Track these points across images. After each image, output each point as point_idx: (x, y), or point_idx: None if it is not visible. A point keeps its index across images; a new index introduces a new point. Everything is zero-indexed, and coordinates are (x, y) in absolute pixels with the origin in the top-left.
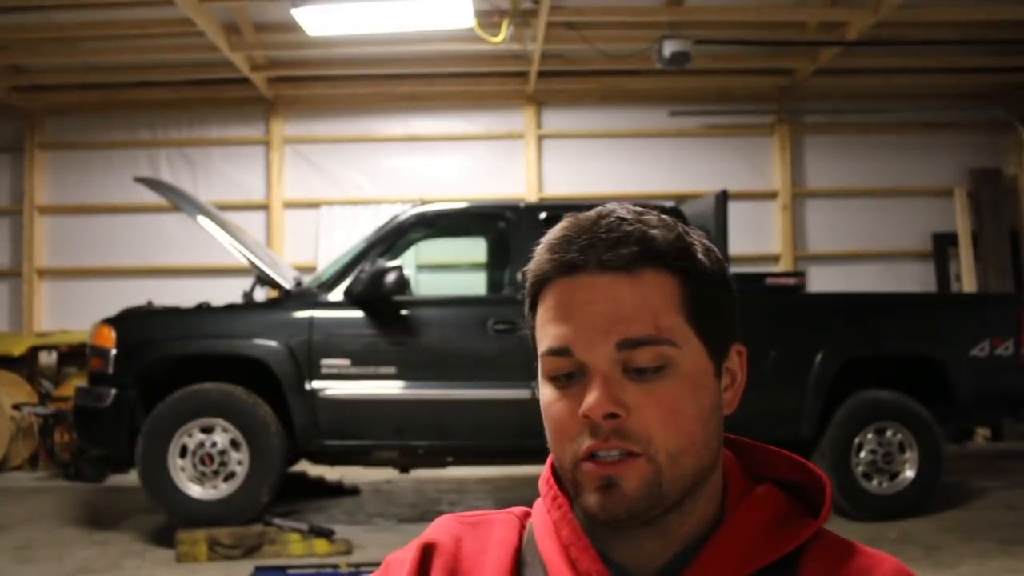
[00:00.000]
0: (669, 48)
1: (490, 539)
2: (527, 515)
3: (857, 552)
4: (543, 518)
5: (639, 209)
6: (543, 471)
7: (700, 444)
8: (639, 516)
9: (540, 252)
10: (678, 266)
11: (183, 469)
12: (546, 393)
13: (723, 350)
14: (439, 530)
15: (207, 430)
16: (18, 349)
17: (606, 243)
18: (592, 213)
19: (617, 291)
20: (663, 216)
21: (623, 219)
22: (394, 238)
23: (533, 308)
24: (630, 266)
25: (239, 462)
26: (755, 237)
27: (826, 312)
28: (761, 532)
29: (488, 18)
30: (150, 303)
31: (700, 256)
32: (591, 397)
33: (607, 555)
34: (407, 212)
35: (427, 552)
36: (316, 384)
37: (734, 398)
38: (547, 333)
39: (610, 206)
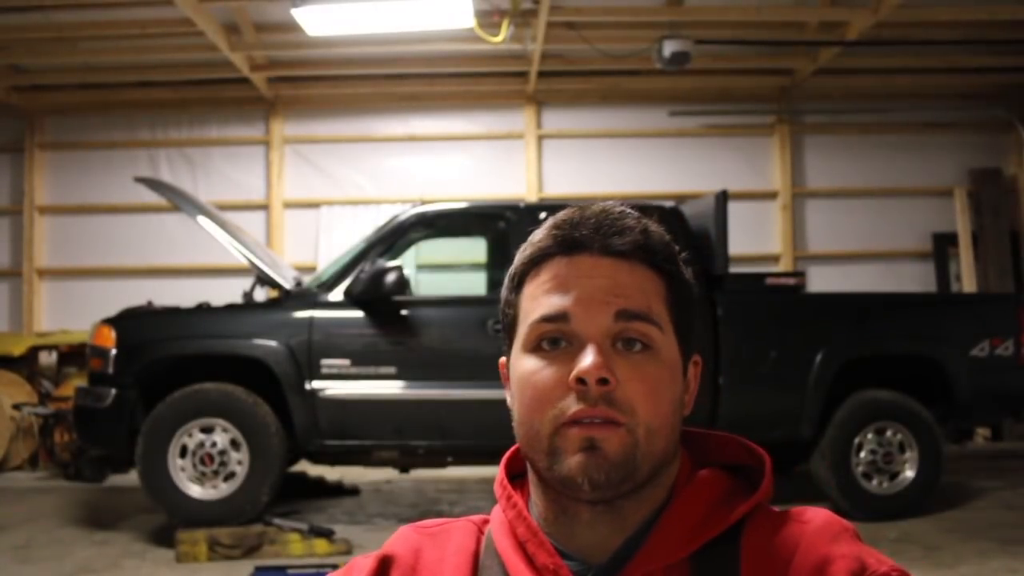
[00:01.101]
0: (669, 48)
1: (448, 547)
2: (486, 522)
3: (793, 518)
4: (500, 519)
5: (639, 210)
6: (497, 475)
7: (670, 428)
8: (614, 485)
9: (542, 230)
10: (667, 268)
11: (183, 469)
12: (527, 364)
13: (688, 355)
14: (398, 542)
15: (207, 430)
16: (18, 349)
17: (611, 230)
18: (597, 205)
19: (617, 272)
20: (657, 223)
21: (627, 214)
22: (394, 238)
23: (520, 284)
24: (629, 255)
25: (239, 462)
26: (755, 237)
27: (826, 312)
28: (705, 511)
29: (488, 18)
30: (150, 303)
31: (683, 266)
32: (587, 360)
33: (562, 548)
34: (407, 212)
35: (384, 565)
36: (316, 384)
37: (690, 401)
38: (541, 303)
39: (612, 202)
